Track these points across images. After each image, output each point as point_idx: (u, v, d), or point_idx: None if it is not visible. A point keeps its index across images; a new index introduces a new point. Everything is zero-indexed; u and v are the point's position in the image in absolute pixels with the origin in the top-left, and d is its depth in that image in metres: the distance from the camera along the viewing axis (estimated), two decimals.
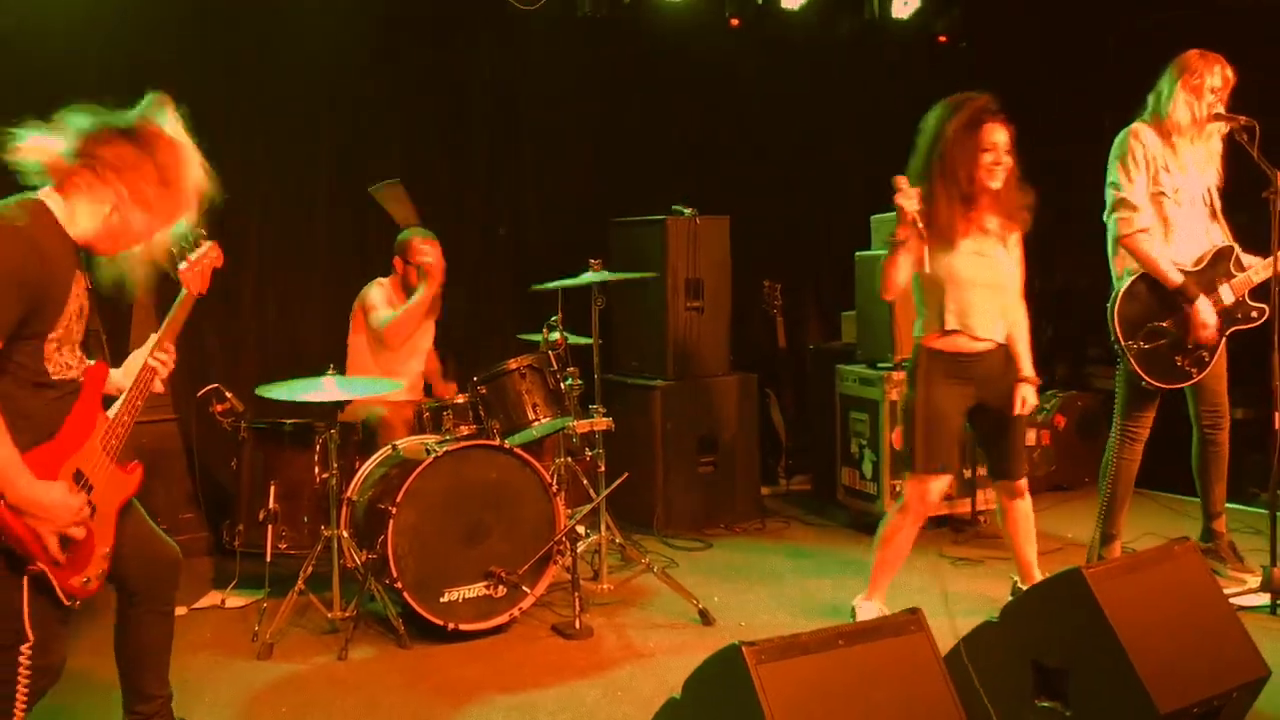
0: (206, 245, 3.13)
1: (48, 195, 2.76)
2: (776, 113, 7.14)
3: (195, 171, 2.91)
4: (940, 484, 4.09)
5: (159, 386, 3.01)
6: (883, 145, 7.18)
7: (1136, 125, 4.52)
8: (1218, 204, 4.59)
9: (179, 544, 5.14)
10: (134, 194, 2.79)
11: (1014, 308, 4.11)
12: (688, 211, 5.83)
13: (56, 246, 2.72)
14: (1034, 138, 7.22)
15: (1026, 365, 4.13)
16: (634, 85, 6.69)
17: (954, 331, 4.02)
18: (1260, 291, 4.50)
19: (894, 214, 5.71)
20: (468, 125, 6.31)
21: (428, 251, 5.12)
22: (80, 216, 2.78)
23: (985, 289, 4.02)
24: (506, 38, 6.20)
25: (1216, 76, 4.43)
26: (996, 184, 3.98)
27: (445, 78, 6.19)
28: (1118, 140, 4.53)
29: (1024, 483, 4.24)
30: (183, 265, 3.07)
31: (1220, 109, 4.42)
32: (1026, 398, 4.10)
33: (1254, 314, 4.53)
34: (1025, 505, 4.25)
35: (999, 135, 4.00)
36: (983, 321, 4.02)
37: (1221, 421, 4.60)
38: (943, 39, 7.22)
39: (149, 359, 2.99)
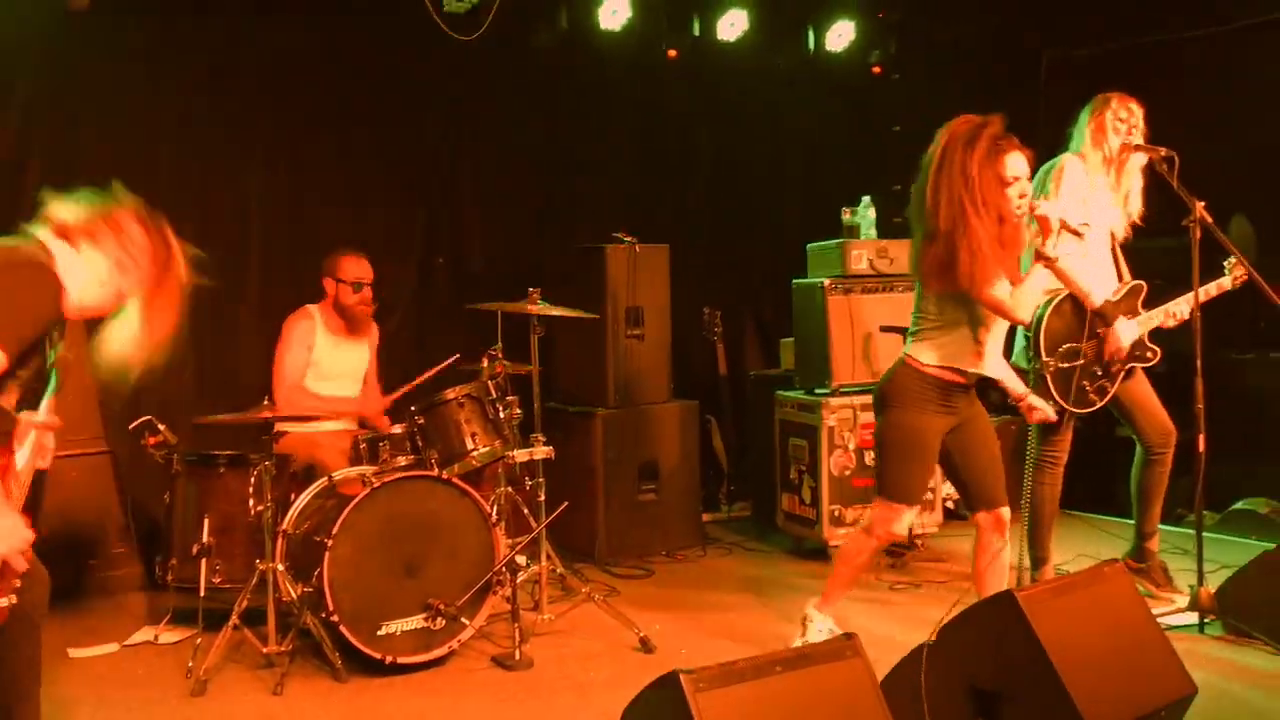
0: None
1: (50, 241, 2.79)
2: (714, 142, 7.23)
3: (183, 268, 2.99)
4: (912, 514, 4.06)
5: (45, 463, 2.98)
6: (819, 174, 7.39)
7: (1064, 157, 4.65)
8: (1119, 240, 4.73)
9: (111, 579, 5.18)
10: (135, 265, 2.88)
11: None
12: (628, 239, 5.86)
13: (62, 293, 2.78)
14: None
15: (1018, 384, 4.07)
16: (573, 114, 6.71)
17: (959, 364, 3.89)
18: (1155, 335, 4.67)
19: (834, 242, 5.88)
20: (407, 153, 6.29)
21: (358, 270, 5.11)
22: (79, 271, 2.82)
23: (999, 328, 3.93)
24: (446, 67, 6.19)
25: (1131, 116, 4.59)
26: (1024, 216, 3.81)
27: (384, 106, 6.16)
28: (1045, 170, 4.64)
29: (1006, 513, 4.03)
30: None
31: (1138, 140, 4.56)
32: (1033, 405, 4.04)
33: (1149, 354, 4.68)
34: (1001, 541, 4.02)
35: (1021, 164, 3.77)
36: (992, 363, 3.94)
37: (1170, 440, 4.69)
38: (877, 70, 7.35)
39: (38, 439, 2.94)
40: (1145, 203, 4.70)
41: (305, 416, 4.94)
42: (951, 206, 3.68)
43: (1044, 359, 4.53)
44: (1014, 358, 4.79)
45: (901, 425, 3.91)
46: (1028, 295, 3.80)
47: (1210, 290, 4.59)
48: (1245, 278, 4.56)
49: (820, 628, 4.14)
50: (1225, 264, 4.61)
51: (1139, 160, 4.60)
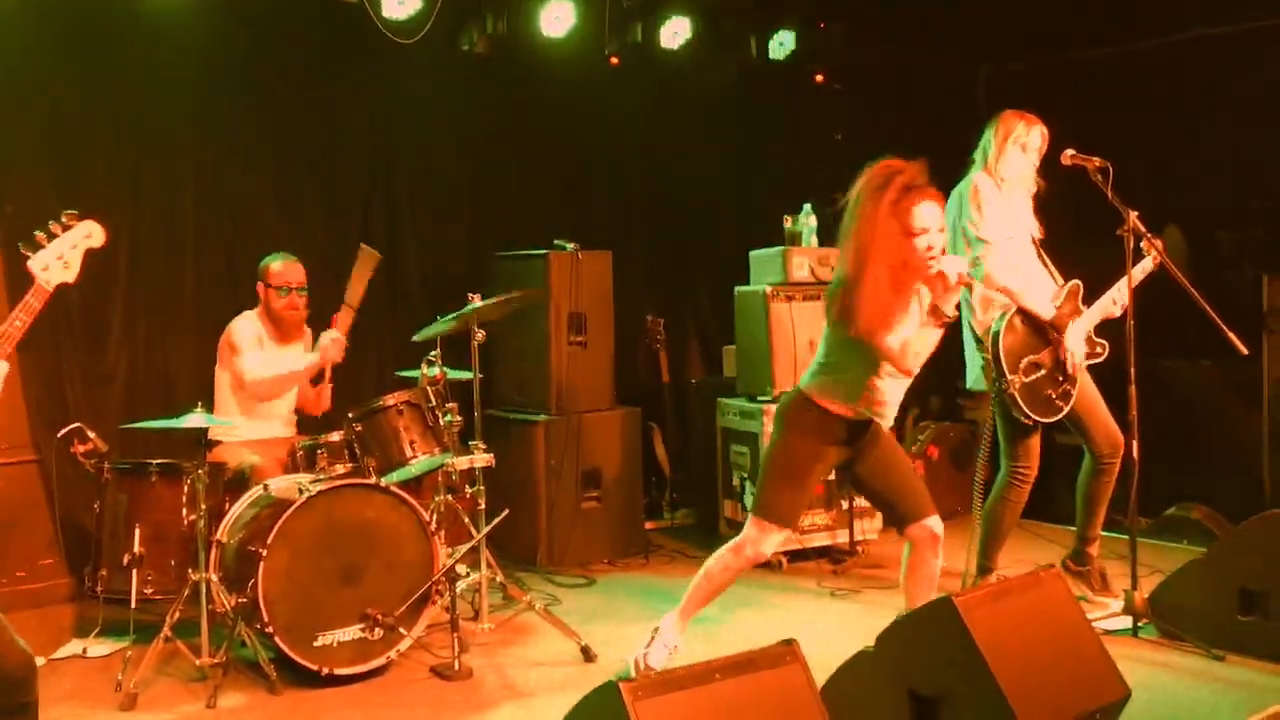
0: (76, 225, 2.96)
1: None
2: (657, 149, 7.23)
3: None
4: (782, 537, 4.00)
5: None
6: (761, 182, 7.43)
7: (975, 177, 4.71)
8: (1037, 245, 4.80)
9: (39, 591, 5.06)
10: None
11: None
12: (570, 246, 5.84)
13: None
14: None
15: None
16: (513, 120, 6.68)
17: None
18: (1101, 328, 4.74)
19: (775, 250, 5.90)
20: (343, 157, 6.21)
21: (287, 274, 5.04)
22: None
23: (903, 379, 3.84)
24: (384, 70, 6.14)
25: (1036, 135, 4.67)
26: (934, 268, 3.67)
27: (320, 109, 6.09)
28: (959, 191, 4.69)
29: (936, 523, 3.93)
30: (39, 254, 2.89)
31: (1035, 159, 4.66)
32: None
33: (1099, 349, 4.76)
34: (934, 555, 3.95)
35: (932, 215, 3.69)
36: (889, 412, 3.90)
37: (1118, 450, 4.74)
38: (819, 79, 7.40)
39: None
40: (1071, 212, 4.77)
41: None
42: (856, 254, 3.67)
43: (1009, 378, 4.56)
44: (972, 383, 4.84)
45: (789, 449, 3.90)
46: (915, 349, 3.71)
47: (1136, 275, 4.66)
48: (1160, 260, 4.60)
49: (667, 643, 4.02)
50: (1142, 246, 4.68)
51: (1033, 183, 4.68)
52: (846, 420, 3.86)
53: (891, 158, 3.76)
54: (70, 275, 2.94)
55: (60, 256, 2.93)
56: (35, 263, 2.91)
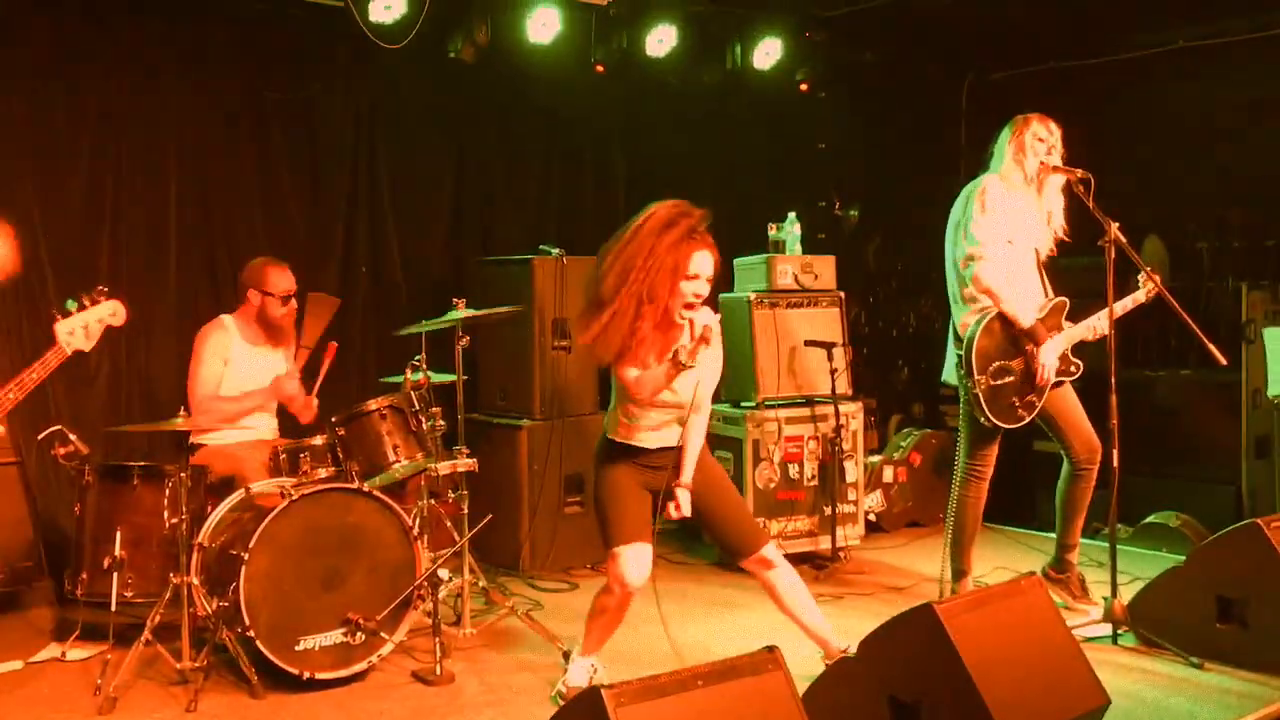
0: (103, 302, 3.24)
1: None
2: (641, 156, 7.24)
3: None
4: (639, 554, 3.85)
5: None
6: (745, 189, 7.44)
7: (986, 177, 4.72)
8: (1043, 257, 4.82)
9: (18, 594, 5.02)
10: None
11: (694, 420, 3.87)
12: (555, 251, 5.84)
13: None
14: (891, 183, 7.53)
15: (686, 474, 3.91)
16: (499, 125, 6.69)
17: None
18: (1078, 349, 4.77)
19: (759, 257, 5.92)
20: (327, 161, 6.20)
21: (285, 283, 5.02)
22: None
23: (671, 409, 3.83)
24: (368, 74, 6.13)
25: (1050, 136, 4.69)
26: (692, 316, 3.70)
27: (304, 113, 6.08)
28: (967, 192, 4.72)
29: (769, 551, 3.96)
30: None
31: (1057, 161, 4.67)
32: (681, 502, 3.89)
33: (1073, 368, 4.79)
34: (784, 574, 3.97)
35: (707, 264, 3.72)
36: (656, 437, 3.87)
37: (1096, 456, 4.78)
38: (804, 88, 7.43)
39: None
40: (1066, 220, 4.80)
41: (226, 424, 4.82)
42: (619, 278, 3.63)
43: (976, 377, 4.60)
44: (946, 376, 4.88)
45: (600, 479, 3.94)
46: (648, 384, 3.72)
47: (1126, 304, 4.71)
48: (1156, 291, 4.68)
49: (581, 665, 4.07)
50: (1138, 278, 4.73)
51: (1059, 179, 4.70)
52: (637, 449, 3.87)
53: (680, 200, 3.77)
54: (87, 346, 3.51)
55: (85, 326, 3.36)
56: (62, 327, 3.36)
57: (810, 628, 4.03)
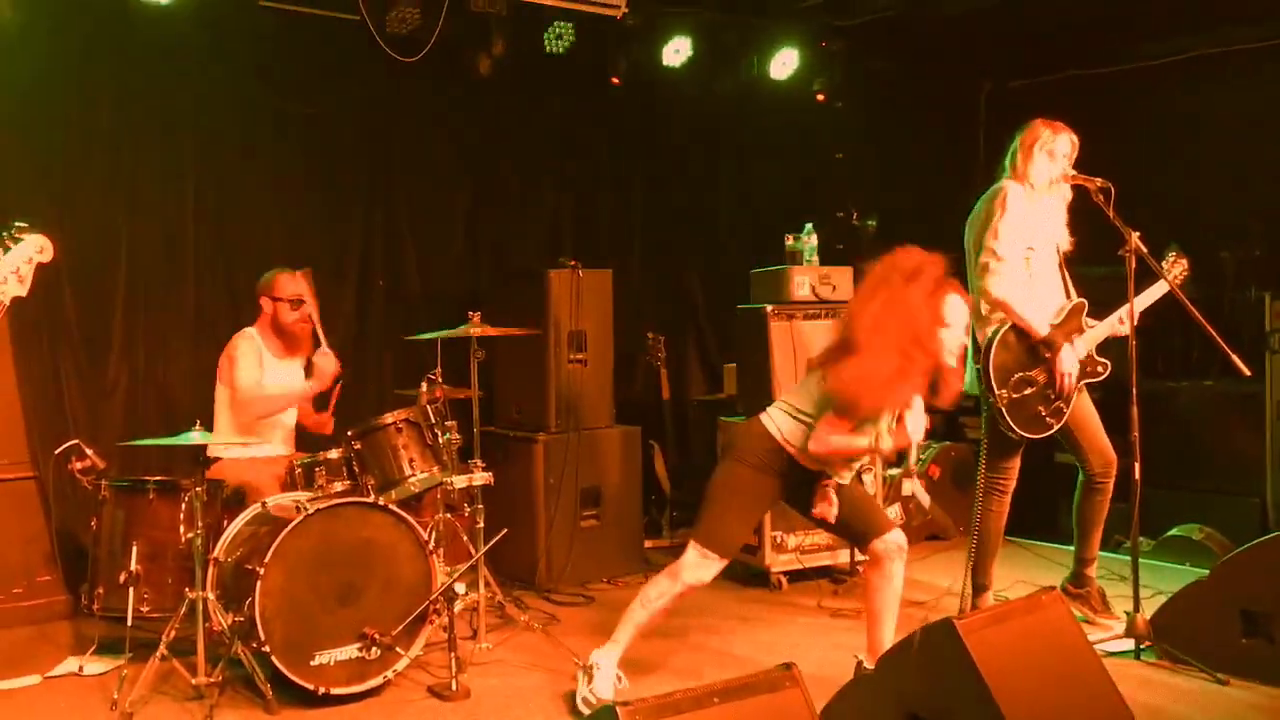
0: (26, 239, 2.93)
1: None
2: (658, 167, 7.24)
3: None
4: (719, 567, 3.93)
5: None
6: (762, 200, 7.43)
7: (1004, 184, 4.69)
8: (1062, 258, 4.79)
9: (36, 608, 5.03)
10: None
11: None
12: (571, 264, 5.83)
13: None
14: (910, 192, 7.48)
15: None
16: (515, 137, 6.70)
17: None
18: (1103, 347, 4.72)
19: (776, 268, 5.90)
20: (344, 174, 6.22)
21: (295, 287, 5.03)
22: None
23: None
24: (385, 88, 6.15)
25: (1064, 142, 4.66)
26: (951, 362, 3.79)
27: (321, 126, 6.09)
28: (985, 198, 4.69)
29: (897, 539, 3.99)
30: None
31: (1070, 170, 4.64)
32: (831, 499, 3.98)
33: (1099, 369, 4.74)
34: (900, 572, 3.98)
35: (960, 312, 3.79)
36: (846, 473, 3.98)
37: (1112, 469, 4.73)
38: (821, 98, 7.41)
39: None
40: (1077, 232, 4.76)
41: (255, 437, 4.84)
42: (874, 327, 3.69)
43: (998, 393, 4.55)
44: (968, 386, 4.82)
45: (736, 476, 3.92)
46: (839, 448, 3.81)
47: (1155, 293, 4.65)
48: (1186, 274, 4.63)
49: (607, 675, 4.02)
50: (1164, 262, 4.67)
51: (1065, 190, 4.67)
52: (791, 457, 3.89)
53: (913, 245, 3.80)
54: (24, 290, 2.96)
55: (16, 271, 2.92)
56: None
57: (881, 638, 4.00)
